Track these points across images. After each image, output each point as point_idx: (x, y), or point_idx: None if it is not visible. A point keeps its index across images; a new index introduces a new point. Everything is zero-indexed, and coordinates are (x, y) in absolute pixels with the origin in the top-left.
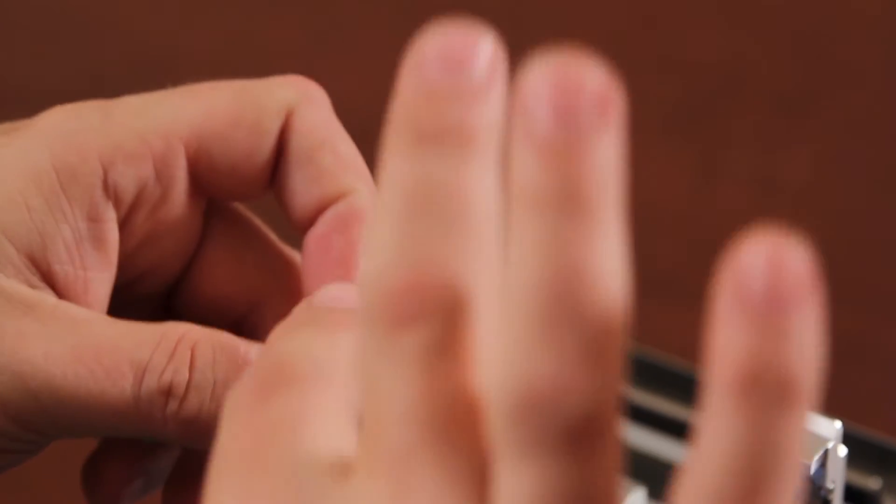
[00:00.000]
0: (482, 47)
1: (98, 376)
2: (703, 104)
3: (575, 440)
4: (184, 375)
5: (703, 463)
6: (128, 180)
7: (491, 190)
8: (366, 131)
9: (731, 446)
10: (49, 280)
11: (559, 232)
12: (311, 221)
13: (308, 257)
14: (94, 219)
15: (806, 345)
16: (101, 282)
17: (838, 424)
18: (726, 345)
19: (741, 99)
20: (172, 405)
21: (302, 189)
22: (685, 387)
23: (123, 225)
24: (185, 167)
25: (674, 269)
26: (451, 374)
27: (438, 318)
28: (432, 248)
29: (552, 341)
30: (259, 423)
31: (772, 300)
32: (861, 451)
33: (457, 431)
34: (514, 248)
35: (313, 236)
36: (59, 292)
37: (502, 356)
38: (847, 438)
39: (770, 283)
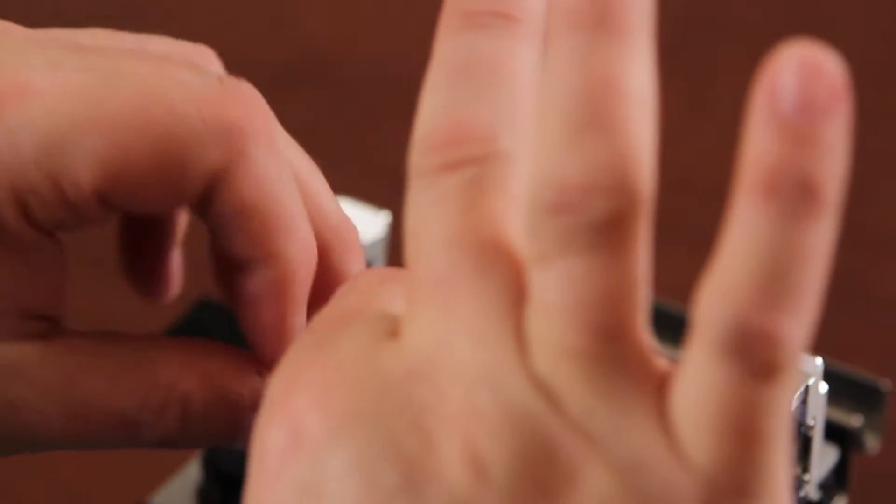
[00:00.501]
0: None
1: (94, 431)
2: (690, 36)
3: (601, 237)
4: (175, 430)
5: (725, 267)
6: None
7: (532, 65)
8: None
9: (754, 249)
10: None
11: (594, 47)
12: (238, 266)
13: (245, 322)
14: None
15: (833, 155)
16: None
17: (819, 361)
18: (755, 151)
19: (727, 30)
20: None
21: (227, 243)
22: (673, 327)
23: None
24: (95, 208)
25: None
26: (490, 207)
27: (477, 162)
28: (474, 107)
29: (583, 143)
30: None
31: (803, 106)
32: (842, 388)
33: (496, 255)
34: (550, 62)
35: (246, 299)
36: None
37: (535, 159)
38: (828, 376)
39: (802, 89)
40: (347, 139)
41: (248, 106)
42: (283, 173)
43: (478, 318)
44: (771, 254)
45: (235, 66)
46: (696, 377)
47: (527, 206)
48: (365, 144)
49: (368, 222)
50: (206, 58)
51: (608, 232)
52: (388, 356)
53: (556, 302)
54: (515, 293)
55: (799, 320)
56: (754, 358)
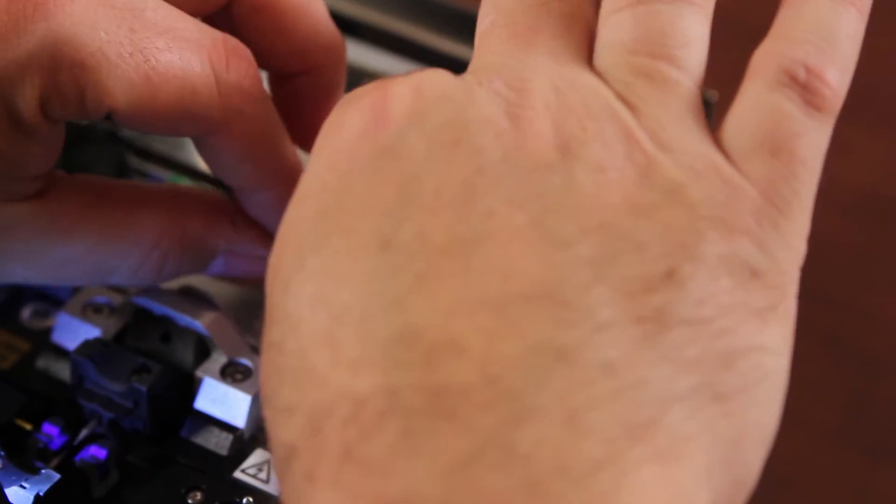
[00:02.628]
0: None
1: (70, 280)
2: None
3: None
4: (149, 279)
5: (784, 26)
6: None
7: None
8: None
9: (811, 15)
10: (38, 177)
11: None
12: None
13: (291, 123)
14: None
15: None
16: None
17: None
18: None
19: None
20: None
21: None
22: None
23: None
24: (105, 117)
25: None
26: None
27: None
28: None
29: None
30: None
31: None
32: None
33: (573, 17)
34: None
35: (290, 101)
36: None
37: None
38: None
39: None
40: None
41: None
42: None
43: (557, 47)
44: (824, 21)
45: None
46: (753, 104)
47: None
48: None
49: None
50: None
51: None
52: (467, 78)
53: (623, 34)
54: (588, 40)
55: (843, 77)
56: (806, 88)
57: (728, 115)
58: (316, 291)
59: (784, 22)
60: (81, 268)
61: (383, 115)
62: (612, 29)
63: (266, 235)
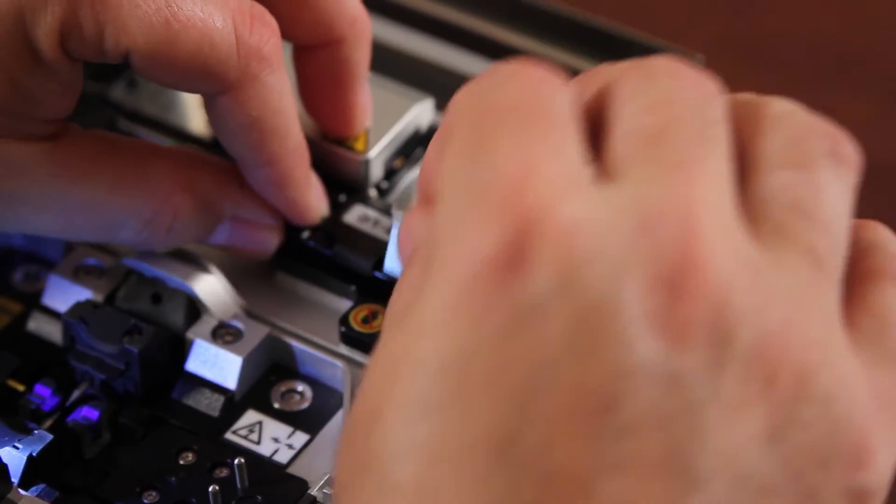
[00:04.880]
0: None
1: (80, 232)
2: None
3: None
4: (158, 239)
5: None
6: None
7: None
8: None
9: None
10: (49, 120)
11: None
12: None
13: (310, 104)
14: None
15: None
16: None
17: None
18: None
19: None
20: (143, 246)
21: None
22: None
23: None
24: (120, 61)
25: None
26: None
27: None
28: None
29: None
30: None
31: None
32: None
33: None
34: None
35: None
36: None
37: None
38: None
39: None
40: None
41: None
42: None
43: (719, 189)
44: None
45: None
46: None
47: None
48: None
49: None
50: None
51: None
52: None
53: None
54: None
55: None
56: None
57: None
58: (416, 470)
59: None
60: (92, 218)
61: (523, 255)
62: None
63: (269, 207)
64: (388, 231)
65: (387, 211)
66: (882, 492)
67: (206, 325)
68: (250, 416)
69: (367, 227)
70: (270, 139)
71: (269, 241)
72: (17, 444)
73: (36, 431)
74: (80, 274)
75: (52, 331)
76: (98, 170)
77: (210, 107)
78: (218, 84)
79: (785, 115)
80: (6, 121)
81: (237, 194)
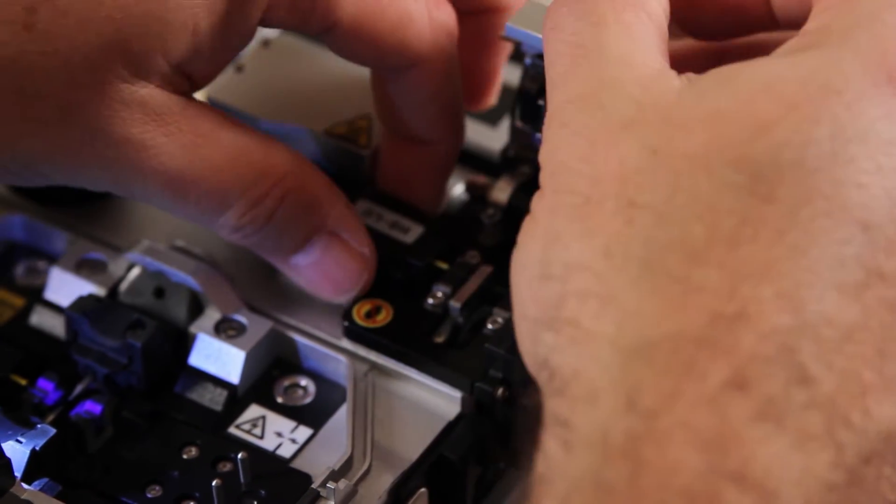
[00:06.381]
0: None
1: (191, 205)
2: None
3: None
4: (256, 226)
5: None
6: None
7: None
8: None
9: None
10: (194, 81)
11: None
12: None
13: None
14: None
15: None
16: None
17: None
18: None
19: None
20: (240, 237)
21: None
22: None
23: None
24: None
25: None
26: None
27: None
28: None
29: None
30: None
31: None
32: None
33: None
34: None
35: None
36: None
37: None
38: None
39: None
40: None
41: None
42: None
43: None
44: None
45: None
46: None
47: None
48: None
49: None
50: None
51: None
52: None
53: None
54: None
55: None
56: None
57: None
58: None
59: None
60: (207, 191)
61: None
62: None
63: (369, 237)
64: (392, 226)
65: (390, 206)
66: None
67: (210, 319)
68: (253, 411)
69: (371, 222)
70: (448, 112)
71: (358, 274)
72: (20, 439)
73: (39, 426)
74: (82, 268)
75: (54, 325)
76: (219, 137)
77: (391, 81)
78: (413, 57)
79: None
80: (178, 65)
81: (344, 209)
